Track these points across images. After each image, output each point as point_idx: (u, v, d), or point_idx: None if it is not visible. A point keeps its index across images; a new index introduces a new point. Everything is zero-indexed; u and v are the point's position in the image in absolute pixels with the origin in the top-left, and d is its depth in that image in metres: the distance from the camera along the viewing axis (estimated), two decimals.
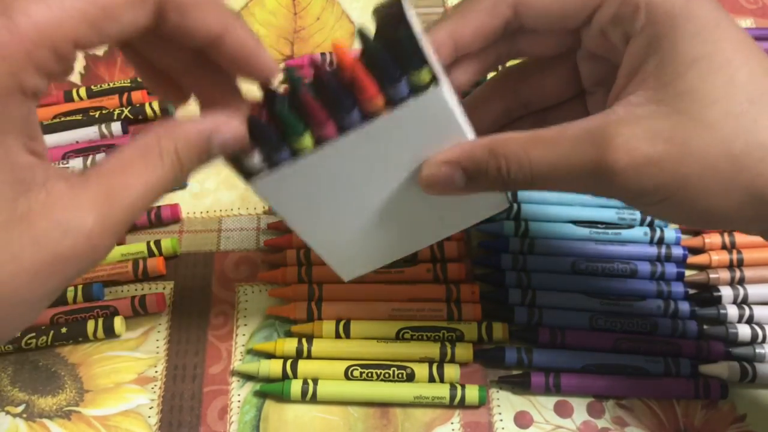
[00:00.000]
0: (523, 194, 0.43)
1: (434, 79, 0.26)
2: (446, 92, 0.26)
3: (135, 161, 0.23)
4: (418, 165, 0.28)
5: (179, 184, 0.25)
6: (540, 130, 0.27)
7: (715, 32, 0.26)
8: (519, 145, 0.27)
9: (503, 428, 0.37)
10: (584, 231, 0.41)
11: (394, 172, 0.29)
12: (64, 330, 0.39)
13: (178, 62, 0.26)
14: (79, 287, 0.41)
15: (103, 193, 0.22)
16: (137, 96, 0.48)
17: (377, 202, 0.30)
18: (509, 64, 0.34)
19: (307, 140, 0.26)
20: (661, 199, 0.26)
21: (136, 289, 0.42)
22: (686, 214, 0.27)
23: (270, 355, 0.39)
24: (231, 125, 0.25)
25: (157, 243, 0.42)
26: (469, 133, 0.28)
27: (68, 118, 0.47)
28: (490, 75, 0.39)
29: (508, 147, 0.27)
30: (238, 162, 0.27)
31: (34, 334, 0.39)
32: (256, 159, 0.26)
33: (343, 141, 0.27)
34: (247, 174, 0.27)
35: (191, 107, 0.29)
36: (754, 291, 0.40)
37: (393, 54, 0.25)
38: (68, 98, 0.48)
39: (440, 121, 0.27)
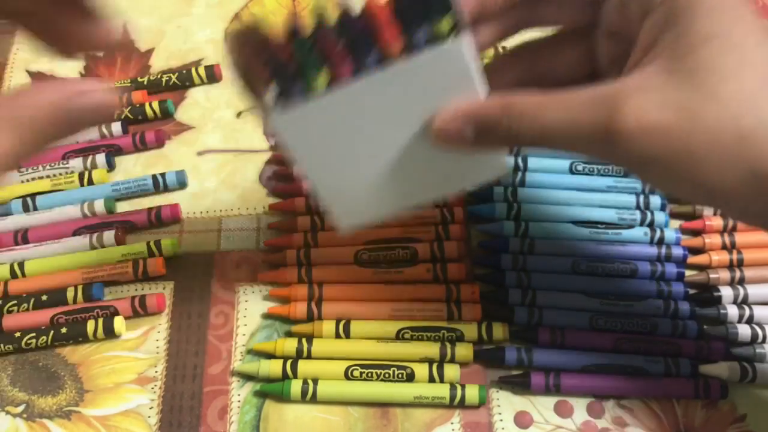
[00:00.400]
0: (523, 194, 0.43)
1: (455, 30, 0.26)
2: (466, 46, 0.27)
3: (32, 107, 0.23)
4: (430, 116, 0.29)
5: (39, 151, 0.25)
6: (552, 93, 0.28)
7: (731, 12, 0.26)
8: (531, 103, 0.28)
9: (503, 428, 0.37)
10: (584, 231, 0.41)
11: (406, 121, 0.29)
12: (64, 330, 0.39)
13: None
14: (80, 287, 0.41)
15: (15, 138, 0.23)
16: (137, 96, 0.48)
17: (387, 150, 0.30)
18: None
19: (323, 79, 0.27)
20: (664, 168, 0.26)
21: (136, 289, 0.42)
22: (686, 186, 0.27)
23: (270, 355, 0.39)
24: (91, 95, 0.24)
25: (157, 243, 0.42)
26: (483, 91, 0.29)
27: None
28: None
29: (521, 104, 0.28)
30: (255, 96, 0.27)
31: (34, 334, 0.39)
32: (272, 94, 0.27)
33: (359, 83, 0.27)
34: (264, 108, 0.28)
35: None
36: (754, 291, 0.40)
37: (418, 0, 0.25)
38: None
39: (456, 74, 0.27)
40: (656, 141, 0.26)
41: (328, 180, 0.31)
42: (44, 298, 0.40)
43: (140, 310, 0.40)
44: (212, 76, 0.49)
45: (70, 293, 0.40)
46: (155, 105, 0.47)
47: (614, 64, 0.32)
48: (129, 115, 0.47)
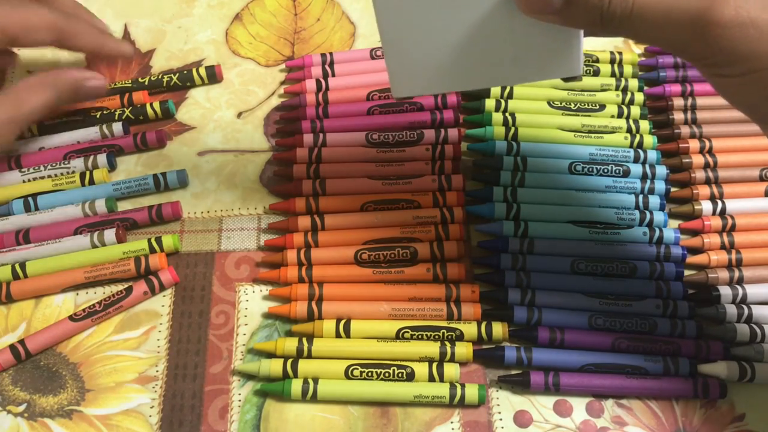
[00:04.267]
0: (522, 194, 0.43)
1: None
2: None
3: (35, 87, 0.42)
4: None
5: (62, 104, 0.44)
6: None
7: None
8: None
9: (503, 427, 0.38)
10: (584, 231, 0.42)
11: None
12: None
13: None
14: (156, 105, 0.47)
15: (13, 104, 0.41)
16: (138, 96, 0.48)
17: (464, 22, 0.30)
18: None
19: None
20: (749, 70, 0.27)
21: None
22: (764, 96, 0.27)
23: (270, 355, 0.39)
24: (94, 81, 0.44)
25: (158, 240, 0.42)
26: None
27: (70, 119, 0.47)
28: None
29: None
30: None
31: None
32: None
33: None
34: None
35: None
36: (753, 291, 0.40)
37: None
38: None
39: None
40: (750, 37, 0.26)
41: (399, 42, 0.31)
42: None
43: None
44: (213, 76, 0.49)
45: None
46: (156, 105, 0.47)
47: None
48: (130, 115, 0.47)
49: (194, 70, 0.49)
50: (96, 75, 0.44)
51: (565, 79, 0.33)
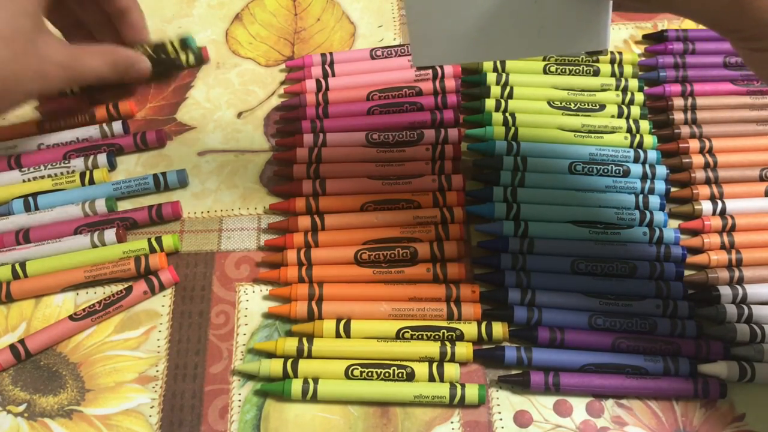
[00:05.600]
0: (522, 194, 0.43)
1: None
2: None
3: (97, 53, 0.43)
4: None
5: (110, 79, 0.44)
6: None
7: None
8: None
9: (503, 427, 0.38)
10: (584, 231, 0.42)
11: None
12: None
13: (94, 18, 0.47)
14: (175, 41, 0.48)
15: (73, 56, 0.42)
16: (124, 106, 0.48)
17: None
18: None
19: None
20: None
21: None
22: None
23: (270, 355, 0.39)
24: (142, 63, 0.46)
25: (158, 239, 0.42)
26: None
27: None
28: None
29: None
30: None
31: None
32: None
33: None
34: None
35: None
36: (753, 291, 0.40)
37: None
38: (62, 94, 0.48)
39: None
40: None
41: (423, 8, 0.31)
42: None
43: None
44: (199, 57, 0.49)
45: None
46: (176, 42, 0.48)
47: None
48: (152, 53, 0.47)
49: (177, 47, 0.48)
50: (143, 59, 0.46)
51: (590, 53, 0.32)
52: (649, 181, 0.43)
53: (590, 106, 0.46)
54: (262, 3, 0.53)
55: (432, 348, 0.38)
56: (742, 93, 0.47)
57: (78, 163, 0.45)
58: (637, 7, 0.30)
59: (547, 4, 0.30)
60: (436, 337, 0.39)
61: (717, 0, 0.27)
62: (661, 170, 0.44)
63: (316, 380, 0.38)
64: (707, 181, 0.44)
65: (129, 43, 0.46)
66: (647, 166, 0.44)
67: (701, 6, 0.28)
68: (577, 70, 0.48)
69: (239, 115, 0.49)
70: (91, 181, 0.45)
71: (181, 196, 0.45)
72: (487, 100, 0.47)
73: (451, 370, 0.38)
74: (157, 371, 0.40)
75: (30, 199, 0.44)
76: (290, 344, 0.39)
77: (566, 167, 0.44)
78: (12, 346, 0.39)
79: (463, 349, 0.38)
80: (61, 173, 0.45)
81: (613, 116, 0.46)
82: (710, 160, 0.44)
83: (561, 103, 0.46)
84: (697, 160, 0.44)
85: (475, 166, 0.45)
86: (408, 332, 0.39)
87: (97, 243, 0.42)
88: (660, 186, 0.43)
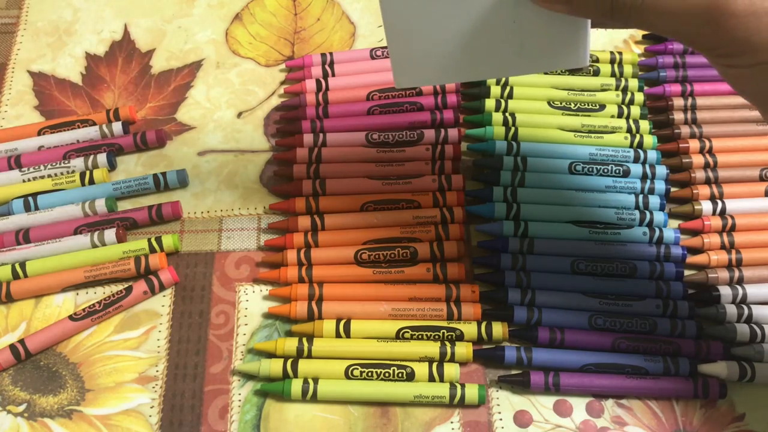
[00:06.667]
0: (522, 194, 0.43)
1: None
2: None
3: None
4: None
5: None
6: None
7: None
8: None
9: (503, 427, 0.38)
10: (584, 231, 0.42)
11: None
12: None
13: None
14: None
15: None
16: (125, 111, 0.48)
17: (472, 8, 0.30)
18: None
19: None
20: (762, 60, 0.27)
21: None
22: None
23: (270, 355, 0.39)
24: None
25: (158, 239, 0.42)
26: None
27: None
28: None
29: None
30: None
31: None
32: None
33: None
34: None
35: None
36: (753, 291, 0.40)
37: None
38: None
39: None
40: (764, 26, 0.26)
41: (403, 32, 0.31)
42: None
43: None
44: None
45: None
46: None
47: None
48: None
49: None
50: None
51: (571, 71, 0.32)
52: (649, 181, 0.43)
53: (590, 106, 0.46)
54: (262, 3, 0.53)
55: (432, 348, 0.38)
56: None
57: (78, 163, 0.45)
58: (616, 26, 0.30)
59: (526, 24, 0.30)
60: (436, 337, 0.39)
61: (692, 19, 0.27)
62: (661, 170, 0.44)
63: (316, 380, 0.38)
64: (707, 181, 0.44)
65: None
66: (647, 166, 0.44)
67: (677, 25, 0.28)
68: (577, 70, 0.48)
69: (239, 115, 0.49)
70: (91, 181, 0.45)
71: (181, 196, 0.45)
72: (487, 100, 0.47)
73: (451, 370, 0.38)
74: (157, 371, 0.40)
75: (30, 199, 0.44)
76: (290, 344, 0.39)
77: (566, 167, 0.44)
78: (12, 346, 0.39)
79: (463, 349, 0.38)
80: (61, 173, 0.45)
81: (613, 116, 0.46)
82: (710, 160, 0.44)
83: (561, 103, 0.46)
84: (697, 160, 0.44)
85: (475, 166, 0.45)
86: (408, 332, 0.39)
87: (97, 243, 0.42)
88: (660, 186, 0.43)
